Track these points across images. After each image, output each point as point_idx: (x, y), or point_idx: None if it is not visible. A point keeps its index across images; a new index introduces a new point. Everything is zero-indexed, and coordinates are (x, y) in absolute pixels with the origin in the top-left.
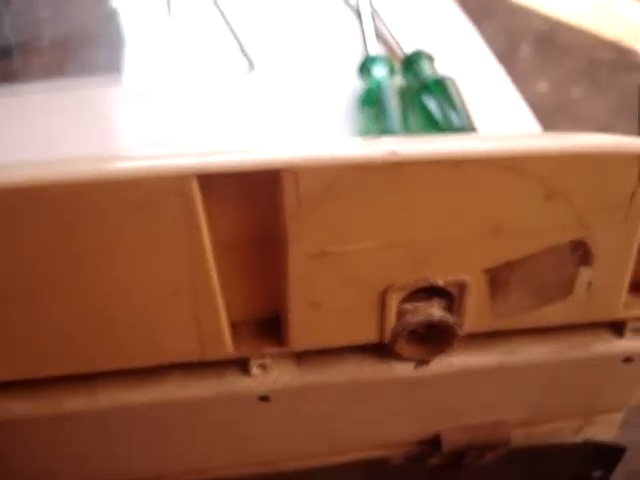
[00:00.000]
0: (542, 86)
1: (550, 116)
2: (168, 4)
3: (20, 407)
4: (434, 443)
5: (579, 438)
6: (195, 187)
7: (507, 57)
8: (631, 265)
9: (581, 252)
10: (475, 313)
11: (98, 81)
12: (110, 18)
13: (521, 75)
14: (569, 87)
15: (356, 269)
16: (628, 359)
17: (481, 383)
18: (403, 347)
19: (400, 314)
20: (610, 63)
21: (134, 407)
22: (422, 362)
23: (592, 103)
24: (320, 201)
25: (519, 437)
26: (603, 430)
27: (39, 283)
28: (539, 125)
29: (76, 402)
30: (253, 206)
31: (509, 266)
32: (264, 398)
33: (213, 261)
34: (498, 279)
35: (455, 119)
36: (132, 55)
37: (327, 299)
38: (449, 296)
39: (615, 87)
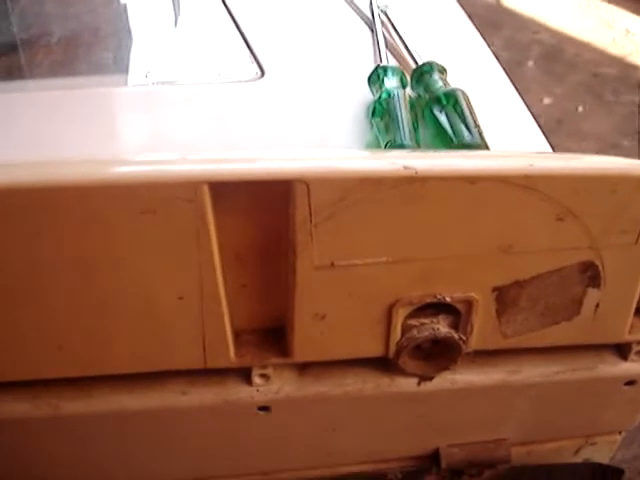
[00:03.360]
0: (547, 100)
1: (554, 131)
2: (176, 8)
3: (20, 408)
4: (432, 459)
5: (578, 458)
6: (206, 194)
7: (514, 70)
8: (639, 288)
9: (590, 274)
10: (481, 331)
11: (106, 80)
12: (119, 17)
13: (527, 88)
14: (573, 102)
15: (364, 283)
16: (631, 382)
17: (483, 401)
18: (407, 362)
19: (406, 329)
20: (615, 79)
21: (132, 412)
22: (425, 378)
23: (596, 119)
24: (331, 213)
25: (519, 455)
26: (602, 451)
27: (44, 285)
28: (547, 141)
29: (74, 405)
30: (263, 215)
31: (518, 285)
32: (265, 408)
33: (220, 268)
34: (506, 298)
35: (466, 134)
36: (141, 56)
37: (333, 311)
38: (456, 313)
39: (619, 103)
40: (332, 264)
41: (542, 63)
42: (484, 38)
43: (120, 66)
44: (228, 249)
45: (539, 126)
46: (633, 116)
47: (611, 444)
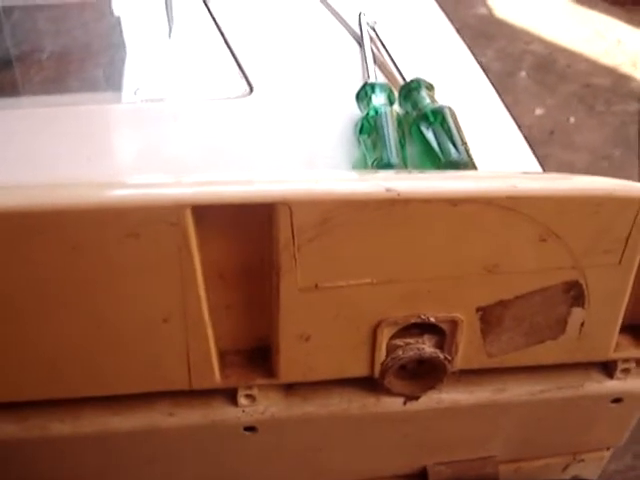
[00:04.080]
0: (539, 111)
1: (546, 142)
2: (169, 24)
3: (7, 429)
4: (420, 477)
5: (567, 475)
6: (189, 217)
7: (506, 81)
8: (624, 307)
9: (574, 293)
10: (466, 350)
11: (96, 97)
12: (110, 33)
13: (519, 99)
14: (565, 113)
15: (348, 304)
16: (617, 399)
17: (470, 419)
18: (393, 382)
19: (391, 349)
20: (607, 89)
21: (120, 433)
22: (411, 397)
23: (587, 130)
24: (314, 235)
25: (507, 473)
26: (590, 467)
27: (32, 306)
28: (535, 159)
29: (62, 427)
30: (246, 237)
31: (502, 305)
32: (251, 428)
33: (204, 290)
34: (491, 317)
35: (453, 151)
36: (132, 74)
37: (318, 332)
38: (441, 332)
39: (611, 114)
40: (316, 286)
41: (534, 74)
42: (473, 53)
43: (111, 83)
44: (212, 271)
45: (527, 142)
46: (625, 127)
47: (599, 460)
